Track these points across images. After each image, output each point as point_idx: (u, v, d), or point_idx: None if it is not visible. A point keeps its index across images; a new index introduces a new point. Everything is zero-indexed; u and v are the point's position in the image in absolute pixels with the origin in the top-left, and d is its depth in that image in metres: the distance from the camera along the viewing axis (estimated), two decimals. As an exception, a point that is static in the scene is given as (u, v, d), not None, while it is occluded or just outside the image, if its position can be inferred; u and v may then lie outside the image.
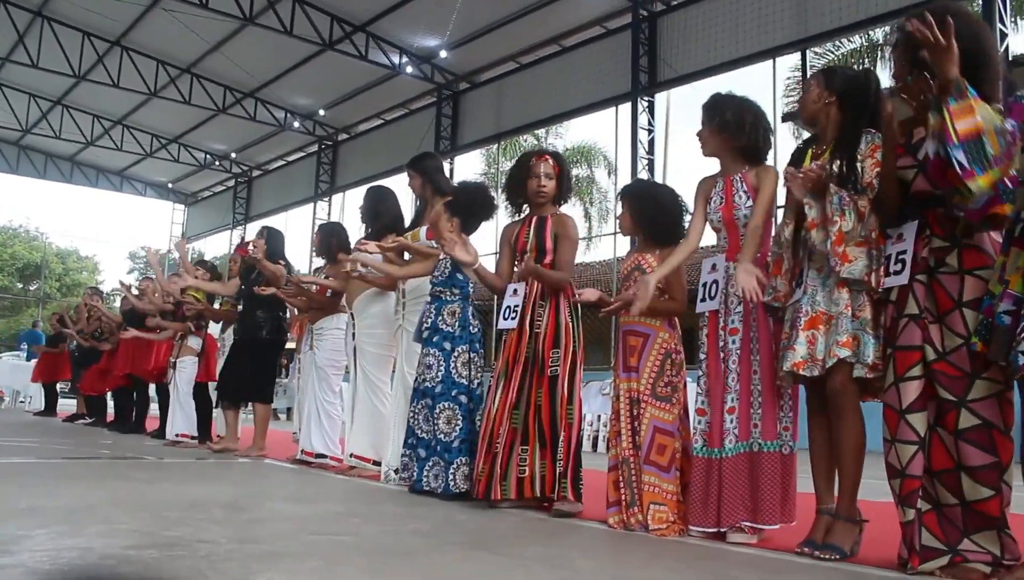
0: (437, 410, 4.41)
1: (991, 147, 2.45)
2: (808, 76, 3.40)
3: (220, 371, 7.38)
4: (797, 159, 3.30)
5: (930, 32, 2.54)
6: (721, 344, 3.42)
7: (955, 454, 2.65)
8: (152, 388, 9.74)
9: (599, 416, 9.77)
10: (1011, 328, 2.41)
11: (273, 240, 6.96)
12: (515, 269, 4.35)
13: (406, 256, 5.41)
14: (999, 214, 2.52)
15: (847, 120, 3.15)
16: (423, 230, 5.18)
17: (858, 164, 3.05)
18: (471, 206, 4.71)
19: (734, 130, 3.49)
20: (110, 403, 11.37)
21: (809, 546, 2.99)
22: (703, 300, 3.54)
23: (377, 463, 5.42)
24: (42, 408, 13.97)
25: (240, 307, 7.10)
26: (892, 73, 2.95)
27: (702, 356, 3.50)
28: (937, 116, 2.56)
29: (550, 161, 4.32)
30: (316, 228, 6.76)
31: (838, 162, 3.08)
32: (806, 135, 3.46)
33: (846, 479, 3.02)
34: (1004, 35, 10.00)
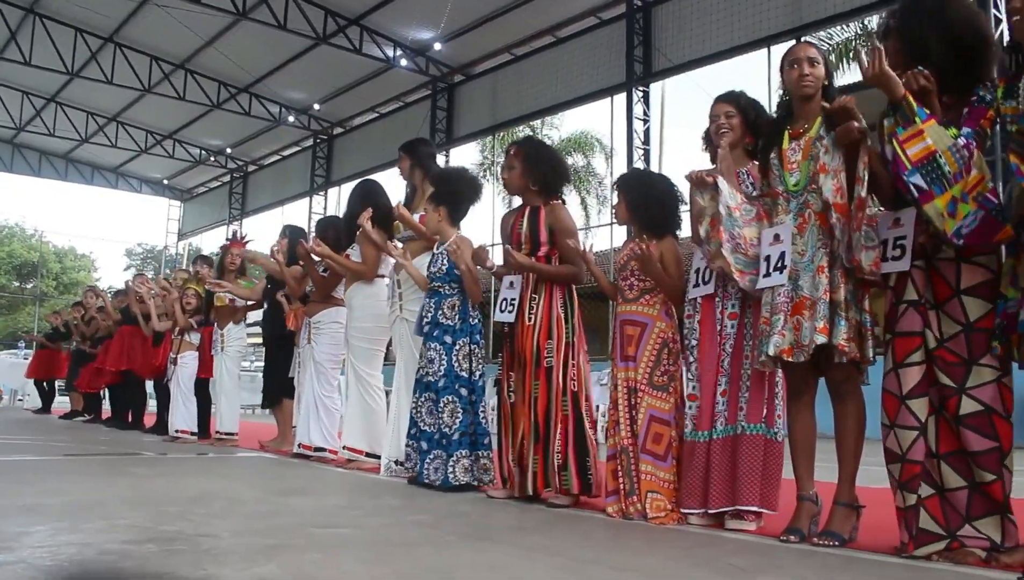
0: (441, 403, 4.42)
1: (948, 165, 2.46)
2: (802, 45, 3.33)
3: (264, 374, 7.40)
4: (771, 143, 3.28)
5: (870, 62, 2.61)
6: (719, 328, 3.43)
7: (958, 437, 2.66)
8: (149, 384, 9.73)
9: (597, 406, 9.79)
10: None
11: (292, 237, 6.98)
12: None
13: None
14: (1004, 238, 2.51)
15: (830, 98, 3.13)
16: (416, 217, 5.16)
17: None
18: (456, 193, 4.71)
19: (751, 127, 3.53)
20: (105, 400, 11.39)
21: (795, 534, 3.00)
22: (696, 286, 3.55)
23: (371, 455, 5.42)
24: (40, 406, 13.97)
25: (265, 306, 7.21)
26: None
27: (693, 342, 3.50)
28: (891, 123, 2.57)
29: (511, 151, 4.36)
30: (315, 223, 6.75)
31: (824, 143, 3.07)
32: None
33: (847, 464, 3.03)
34: (999, 20, 9.99)
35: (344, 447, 5.56)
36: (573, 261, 4.10)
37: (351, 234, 5.70)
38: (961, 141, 2.48)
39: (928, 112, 2.57)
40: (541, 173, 4.24)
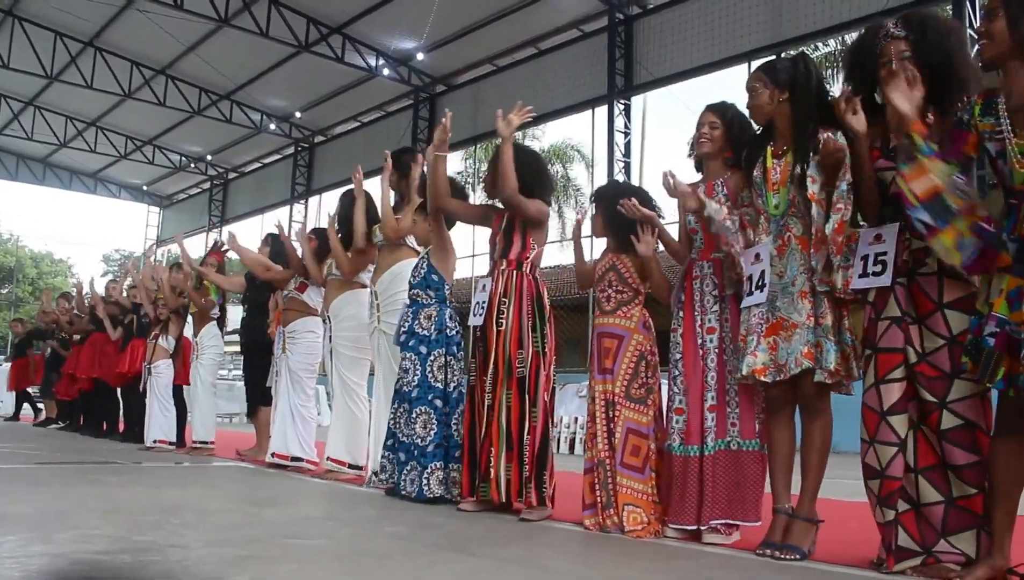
0: (414, 414, 4.40)
1: (953, 203, 2.48)
2: (749, 77, 3.35)
3: (245, 382, 7.36)
4: (754, 157, 3.30)
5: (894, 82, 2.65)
6: (699, 342, 3.44)
7: (940, 452, 2.68)
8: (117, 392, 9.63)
9: (576, 418, 9.79)
10: (995, 349, 2.40)
11: (274, 245, 7.01)
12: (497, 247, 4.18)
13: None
14: (1003, 265, 2.49)
15: (800, 118, 3.14)
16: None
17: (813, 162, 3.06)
18: None
19: (734, 141, 3.54)
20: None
21: (769, 547, 3.02)
22: (678, 297, 3.59)
23: (353, 466, 5.40)
24: (11, 414, 13.80)
25: (245, 312, 7.15)
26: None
27: (677, 356, 3.51)
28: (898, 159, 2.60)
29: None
30: (311, 231, 6.69)
31: (800, 165, 3.09)
32: None
33: (810, 479, 3.06)
34: (974, 39, 10.12)
35: (328, 458, 5.52)
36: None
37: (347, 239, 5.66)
38: (960, 179, 2.50)
39: (934, 148, 2.56)
40: (518, 180, 4.10)
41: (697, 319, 3.47)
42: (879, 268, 2.81)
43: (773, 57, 12.19)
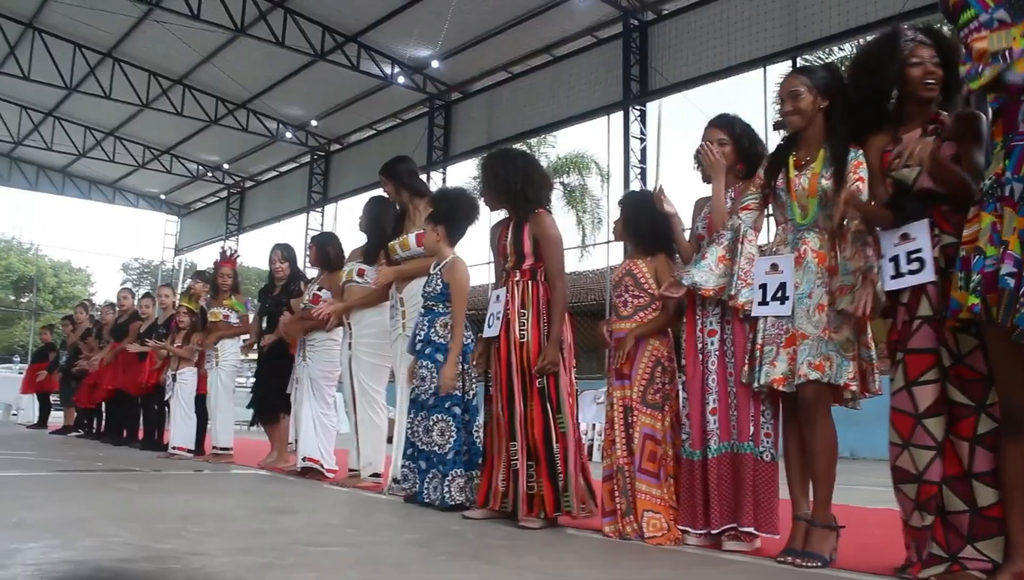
0: (432, 422, 4.39)
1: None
2: (787, 78, 3.27)
3: (252, 389, 7.36)
4: (777, 166, 3.30)
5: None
6: (700, 346, 3.44)
7: (966, 460, 2.61)
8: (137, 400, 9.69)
9: (593, 425, 9.77)
10: (1015, 290, 2.30)
11: (292, 259, 7.04)
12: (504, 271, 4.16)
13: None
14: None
15: (835, 127, 3.15)
16: (412, 237, 5.14)
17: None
18: (454, 213, 4.69)
19: (744, 155, 3.56)
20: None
21: (791, 554, 2.99)
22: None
23: (373, 475, 5.41)
24: (35, 421, 13.89)
25: (264, 324, 7.14)
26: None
27: (683, 361, 3.52)
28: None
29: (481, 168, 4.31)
30: (310, 239, 6.77)
31: (829, 174, 3.09)
32: None
33: (821, 486, 3.04)
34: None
35: (371, 475, 5.49)
36: (555, 275, 4.02)
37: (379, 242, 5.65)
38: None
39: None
40: (507, 186, 4.12)
41: (698, 323, 3.47)
42: (916, 265, 2.73)
43: (789, 61, 12.21)
